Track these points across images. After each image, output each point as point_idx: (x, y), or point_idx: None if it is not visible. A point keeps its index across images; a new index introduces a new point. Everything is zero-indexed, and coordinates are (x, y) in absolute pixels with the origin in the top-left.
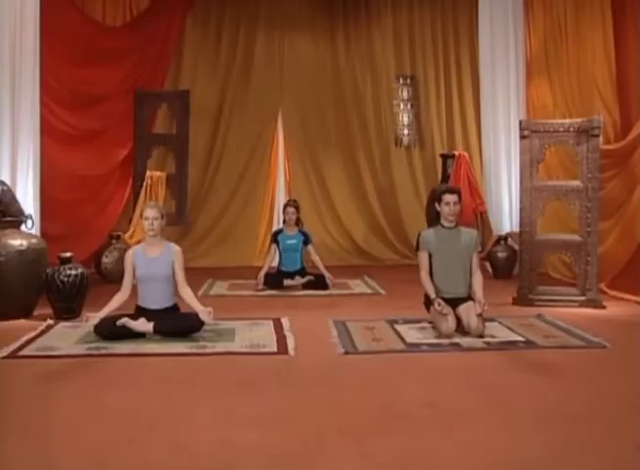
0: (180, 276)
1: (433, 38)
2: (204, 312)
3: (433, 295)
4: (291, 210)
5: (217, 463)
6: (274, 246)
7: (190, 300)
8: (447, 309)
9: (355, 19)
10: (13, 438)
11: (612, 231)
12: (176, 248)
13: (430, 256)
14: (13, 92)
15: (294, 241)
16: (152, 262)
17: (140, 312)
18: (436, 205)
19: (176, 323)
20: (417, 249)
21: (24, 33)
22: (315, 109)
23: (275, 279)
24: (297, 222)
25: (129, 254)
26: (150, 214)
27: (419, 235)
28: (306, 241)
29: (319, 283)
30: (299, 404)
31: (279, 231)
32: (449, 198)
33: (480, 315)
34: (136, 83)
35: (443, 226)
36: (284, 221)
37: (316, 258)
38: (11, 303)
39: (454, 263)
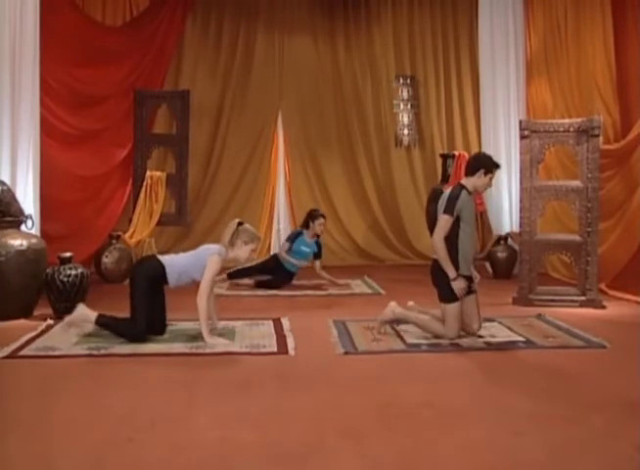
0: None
1: (433, 38)
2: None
3: (454, 273)
4: (323, 221)
5: (217, 463)
6: (287, 244)
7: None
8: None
9: (355, 19)
10: (13, 437)
11: (612, 231)
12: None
13: (456, 223)
14: (13, 92)
15: (308, 249)
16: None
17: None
18: (482, 172)
19: (116, 325)
20: (447, 210)
21: (24, 33)
22: (315, 109)
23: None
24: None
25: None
26: (257, 247)
27: (454, 194)
28: (318, 255)
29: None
30: (299, 404)
31: (300, 233)
32: (495, 173)
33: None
34: (136, 83)
35: (469, 192)
36: (305, 226)
37: (322, 273)
38: (11, 303)
39: (473, 234)
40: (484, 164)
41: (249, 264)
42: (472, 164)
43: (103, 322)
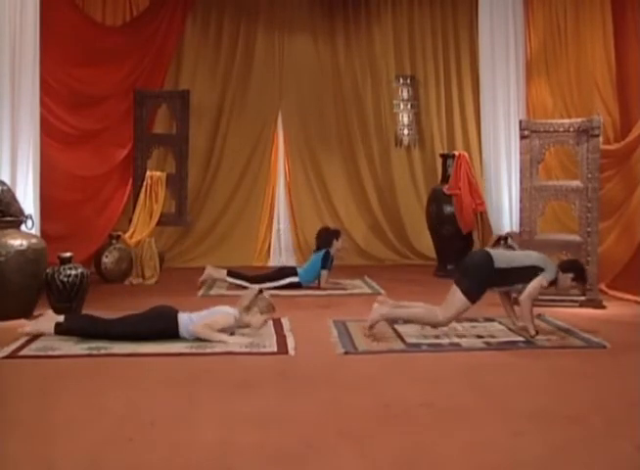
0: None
1: (433, 38)
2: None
3: (534, 331)
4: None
5: (217, 463)
6: (326, 272)
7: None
8: None
9: (355, 19)
10: (13, 438)
11: (611, 231)
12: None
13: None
14: (13, 92)
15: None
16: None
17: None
18: (571, 275)
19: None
20: (550, 283)
21: (24, 33)
22: (315, 109)
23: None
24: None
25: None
26: (270, 318)
27: (557, 272)
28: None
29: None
30: (299, 404)
31: (328, 253)
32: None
33: None
34: (136, 83)
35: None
36: (328, 244)
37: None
38: (11, 303)
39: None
40: (576, 271)
41: (253, 274)
42: (568, 263)
43: (65, 328)
